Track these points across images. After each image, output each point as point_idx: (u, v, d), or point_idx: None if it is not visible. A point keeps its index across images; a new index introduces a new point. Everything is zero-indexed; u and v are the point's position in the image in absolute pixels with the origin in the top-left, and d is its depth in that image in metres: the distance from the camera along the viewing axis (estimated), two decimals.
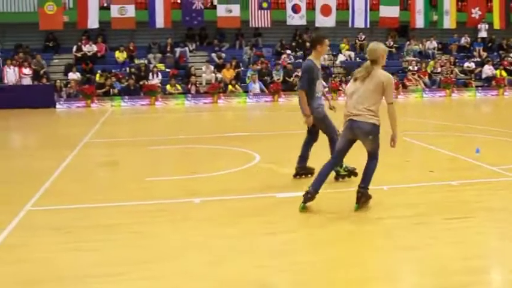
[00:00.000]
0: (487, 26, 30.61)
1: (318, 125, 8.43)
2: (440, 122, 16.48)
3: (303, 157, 8.72)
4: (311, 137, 8.75)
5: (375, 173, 7.06)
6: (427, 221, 6.59)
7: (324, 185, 7.10)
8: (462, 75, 27.99)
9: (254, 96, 23.93)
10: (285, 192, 7.80)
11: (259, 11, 27.36)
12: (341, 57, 28.15)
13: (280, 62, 26.44)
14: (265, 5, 27.39)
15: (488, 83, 27.24)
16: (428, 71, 27.15)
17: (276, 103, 23.42)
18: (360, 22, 28.69)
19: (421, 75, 26.44)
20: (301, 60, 27.22)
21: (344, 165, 8.34)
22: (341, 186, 8.18)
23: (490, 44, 30.99)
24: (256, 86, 24.37)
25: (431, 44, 29.71)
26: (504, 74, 27.75)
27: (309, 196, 6.91)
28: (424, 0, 29.61)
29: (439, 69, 27.37)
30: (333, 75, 25.91)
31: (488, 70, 27.69)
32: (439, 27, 30.08)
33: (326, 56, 27.59)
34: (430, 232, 6.20)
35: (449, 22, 30.12)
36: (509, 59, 29.37)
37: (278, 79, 25.17)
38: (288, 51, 27.70)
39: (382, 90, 6.63)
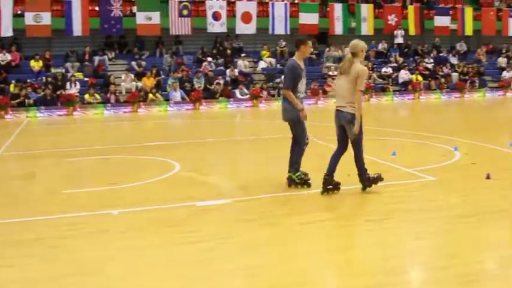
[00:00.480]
0: (403, 33, 31.67)
1: (291, 125, 8.50)
2: None
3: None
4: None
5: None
6: (347, 223, 6.79)
7: (250, 192, 7.20)
8: (380, 80, 28.83)
9: (175, 105, 23.81)
10: (205, 200, 7.81)
11: (180, 19, 27.30)
12: (262, 64, 28.42)
13: (201, 69, 26.45)
14: (185, 12, 27.35)
15: (404, 88, 28.16)
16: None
17: (197, 111, 23.40)
18: (280, 29, 29.11)
19: None
20: (222, 68, 27.37)
21: (298, 173, 8.44)
22: (262, 192, 8.26)
23: (406, 50, 32.05)
24: (177, 94, 24.26)
25: None
26: (420, 78, 28.78)
27: (326, 178, 7.95)
28: (343, 8, 30.39)
29: None
30: (254, 82, 26.11)
31: (404, 75, 28.63)
32: (357, 34, 30.79)
33: (247, 63, 27.82)
34: (351, 234, 6.39)
35: (367, 29, 31.01)
36: (425, 64, 30.48)
37: (199, 87, 25.17)
38: (209, 59, 27.74)
39: (356, 81, 7.60)
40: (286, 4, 29.44)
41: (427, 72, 29.69)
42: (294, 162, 8.47)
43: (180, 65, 26.98)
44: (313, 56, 29.67)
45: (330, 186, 8.07)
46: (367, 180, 8.15)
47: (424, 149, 12.14)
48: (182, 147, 13.07)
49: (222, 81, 25.54)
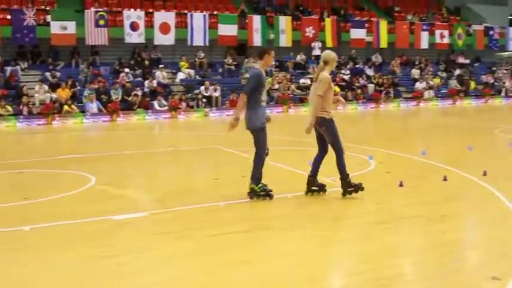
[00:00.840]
0: (320, 44, 32.32)
1: (253, 134, 8.47)
2: (278, 137, 17.08)
3: None
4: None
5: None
6: (263, 234, 6.84)
7: (167, 205, 7.13)
8: (298, 91, 29.28)
9: (91, 117, 23.35)
10: (121, 214, 7.68)
11: (96, 29, 26.87)
12: (181, 75, 28.32)
13: (118, 80, 26.07)
14: (102, 22, 26.95)
15: None
16: (266, 87, 28.11)
17: (114, 123, 23.02)
18: (199, 40, 29.14)
19: None
20: (140, 79, 27.11)
21: (260, 185, 8.44)
22: (179, 204, 8.22)
23: None
24: (93, 106, 23.81)
25: None
26: (337, 89, 29.34)
27: (310, 179, 8.58)
28: (261, 20, 30.75)
29: (276, 86, 28.41)
30: (173, 94, 25.97)
31: None
32: (276, 45, 31.28)
33: (166, 74, 27.67)
34: (266, 244, 6.44)
35: (285, 40, 31.48)
36: (341, 75, 31.19)
37: (117, 98, 24.78)
38: (127, 70, 27.38)
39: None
40: (205, 15, 29.52)
41: (344, 83, 30.40)
42: (255, 174, 8.47)
43: (96, 75, 26.50)
44: (232, 67, 29.87)
45: (315, 188, 8.64)
46: (348, 186, 8.49)
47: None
48: (98, 160, 12.82)
49: (140, 93, 25.27)
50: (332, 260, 6.08)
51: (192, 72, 28.80)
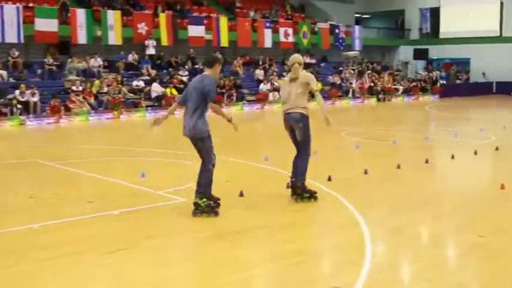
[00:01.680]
0: (155, 43, 32.18)
1: (199, 142, 8.42)
2: (107, 146, 16.80)
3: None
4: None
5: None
6: (84, 258, 6.63)
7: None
8: (131, 94, 28.90)
9: None
10: None
11: None
12: None
13: None
14: None
15: (158, 102, 28.58)
16: (94, 91, 27.42)
17: None
18: (12, 36, 27.85)
19: (86, 96, 26.59)
20: None
21: (205, 199, 8.29)
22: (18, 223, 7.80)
23: (158, 61, 32.61)
24: None
25: (96, 62, 30.11)
26: (174, 92, 29.39)
27: (292, 183, 9.29)
28: (86, 14, 30.02)
29: (105, 89, 27.82)
30: None
31: (157, 88, 29.07)
32: (104, 43, 30.75)
33: None
34: (86, 269, 6.26)
35: (114, 38, 30.98)
36: (179, 76, 31.27)
37: None
38: None
39: (307, 85, 9.15)
40: (18, 7, 28.23)
41: (182, 86, 30.43)
42: (200, 186, 8.34)
43: None
44: (54, 68, 28.88)
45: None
46: (302, 189, 9.20)
47: (178, 168, 12.38)
48: None
49: None
50: (161, 283, 5.98)
51: (4, 73, 27.42)
